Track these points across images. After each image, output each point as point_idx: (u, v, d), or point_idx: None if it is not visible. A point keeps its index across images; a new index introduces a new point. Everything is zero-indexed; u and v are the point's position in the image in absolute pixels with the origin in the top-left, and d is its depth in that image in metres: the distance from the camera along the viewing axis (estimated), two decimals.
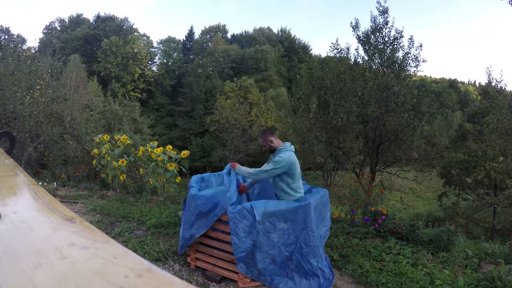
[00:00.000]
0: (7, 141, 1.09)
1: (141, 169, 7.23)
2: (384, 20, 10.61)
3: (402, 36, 10.55)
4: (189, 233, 3.02)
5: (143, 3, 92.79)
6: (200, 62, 42.95)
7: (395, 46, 10.59)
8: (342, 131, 10.51)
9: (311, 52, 49.74)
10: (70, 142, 9.66)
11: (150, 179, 6.25)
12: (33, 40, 65.60)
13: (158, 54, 46.58)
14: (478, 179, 12.34)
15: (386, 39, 10.65)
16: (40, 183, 6.39)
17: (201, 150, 32.37)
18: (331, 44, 11.30)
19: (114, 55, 38.40)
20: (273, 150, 3.27)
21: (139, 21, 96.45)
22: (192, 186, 3.35)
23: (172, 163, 5.70)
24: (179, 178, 6.20)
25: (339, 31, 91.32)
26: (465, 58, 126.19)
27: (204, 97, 38.09)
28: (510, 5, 6.79)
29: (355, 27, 11.01)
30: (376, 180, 11.52)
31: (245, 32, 53.47)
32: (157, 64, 45.49)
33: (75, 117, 9.41)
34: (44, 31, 45.88)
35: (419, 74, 12.02)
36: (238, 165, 3.36)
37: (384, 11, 10.61)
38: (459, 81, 64.19)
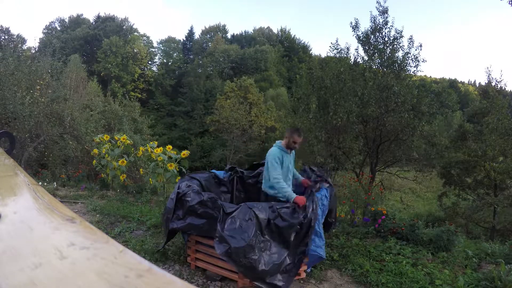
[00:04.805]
0: (7, 141, 1.09)
1: (141, 169, 7.22)
2: (384, 20, 10.60)
3: (402, 36, 10.53)
4: None
5: (143, 3, 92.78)
6: (200, 62, 42.99)
7: (395, 46, 10.57)
8: (342, 131, 10.50)
9: (311, 52, 49.75)
10: (70, 142, 9.64)
11: (150, 179, 6.24)
12: (33, 40, 65.69)
13: (158, 54, 46.61)
14: (478, 179, 12.32)
15: (386, 39, 10.63)
16: (40, 183, 6.38)
17: (201, 150, 32.36)
18: (331, 44, 11.29)
19: (114, 55, 38.38)
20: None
21: (139, 21, 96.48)
22: None
23: (172, 163, 5.69)
24: (179, 178, 6.19)
25: (339, 31, 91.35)
26: (465, 58, 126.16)
27: (204, 97, 38.09)
28: (510, 5, 6.79)
29: (355, 27, 10.99)
30: (376, 180, 11.51)
31: (245, 32, 53.49)
32: (157, 64, 45.48)
33: (75, 117, 9.39)
34: (44, 31, 45.90)
35: (419, 74, 12.01)
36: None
37: (384, 11, 10.60)
38: (459, 81, 64.23)
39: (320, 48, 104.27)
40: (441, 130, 12.57)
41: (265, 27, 54.03)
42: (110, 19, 44.98)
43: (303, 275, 3.19)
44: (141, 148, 6.46)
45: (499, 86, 12.83)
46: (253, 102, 33.13)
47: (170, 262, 3.39)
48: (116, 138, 6.51)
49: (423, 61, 10.49)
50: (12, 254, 0.37)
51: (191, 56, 46.89)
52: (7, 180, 0.70)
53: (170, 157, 5.82)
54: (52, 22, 47.49)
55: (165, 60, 45.61)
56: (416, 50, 10.48)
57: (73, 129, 9.21)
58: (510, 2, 6.83)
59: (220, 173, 4.42)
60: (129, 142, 6.52)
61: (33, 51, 23.81)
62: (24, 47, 28.21)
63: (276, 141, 3.63)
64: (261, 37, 50.56)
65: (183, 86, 39.69)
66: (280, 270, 2.81)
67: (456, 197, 12.81)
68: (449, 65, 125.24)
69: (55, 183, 7.19)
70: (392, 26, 10.57)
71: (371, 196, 5.25)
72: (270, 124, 31.71)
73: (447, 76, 68.28)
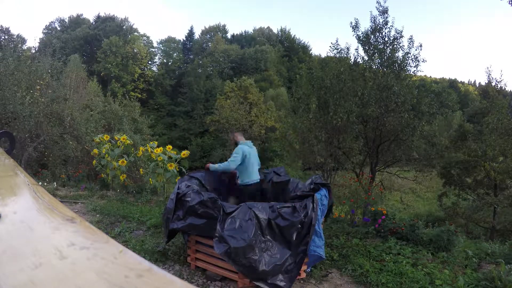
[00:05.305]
0: (7, 141, 1.09)
1: (141, 169, 7.23)
2: (384, 20, 10.59)
3: (402, 36, 10.53)
4: None
5: (143, 3, 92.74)
6: (200, 62, 42.96)
7: (395, 46, 10.56)
8: (342, 131, 10.50)
9: (311, 52, 49.75)
10: (70, 142, 9.64)
11: (150, 179, 6.24)
12: (33, 40, 65.68)
13: (158, 54, 46.59)
14: (478, 179, 12.32)
15: (386, 39, 10.63)
16: (40, 183, 6.39)
17: (201, 150, 32.38)
18: (331, 44, 11.27)
19: (114, 55, 38.38)
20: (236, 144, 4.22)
21: (139, 21, 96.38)
22: None
23: (172, 163, 5.69)
24: (179, 178, 6.18)
25: (339, 31, 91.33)
26: (465, 58, 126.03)
27: (204, 97, 38.10)
28: (510, 5, 6.80)
29: (355, 27, 10.99)
30: (376, 180, 11.50)
31: (245, 32, 53.50)
32: (157, 64, 45.48)
33: (75, 117, 9.39)
34: (44, 31, 45.93)
35: (419, 74, 12.00)
36: (210, 165, 4.10)
37: (384, 11, 10.59)
38: (459, 81, 64.20)
39: (320, 48, 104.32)
40: (441, 130, 12.56)
41: (265, 27, 54.07)
42: (110, 19, 44.98)
43: (303, 275, 3.19)
44: (141, 148, 6.46)
45: (499, 86, 12.85)
46: (253, 102, 33.12)
47: (170, 262, 3.39)
48: (116, 138, 6.52)
49: (423, 61, 10.49)
50: (12, 254, 0.37)
51: (191, 56, 46.87)
52: (7, 180, 0.70)
53: (170, 157, 5.83)
54: (52, 22, 47.57)
55: (165, 60, 45.61)
56: (416, 50, 10.48)
57: (73, 129, 9.21)
58: (510, 2, 6.83)
59: None
60: (129, 142, 6.52)
61: (33, 51, 23.82)
62: (24, 47, 28.20)
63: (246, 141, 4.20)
64: (261, 37, 50.54)
65: (183, 86, 39.69)
66: (282, 271, 2.81)
67: (456, 197, 12.80)
68: (449, 65, 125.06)
69: (55, 183, 7.19)
70: (392, 26, 10.58)
71: (371, 196, 5.25)
72: (270, 124, 31.70)
73: (447, 76, 68.31)
